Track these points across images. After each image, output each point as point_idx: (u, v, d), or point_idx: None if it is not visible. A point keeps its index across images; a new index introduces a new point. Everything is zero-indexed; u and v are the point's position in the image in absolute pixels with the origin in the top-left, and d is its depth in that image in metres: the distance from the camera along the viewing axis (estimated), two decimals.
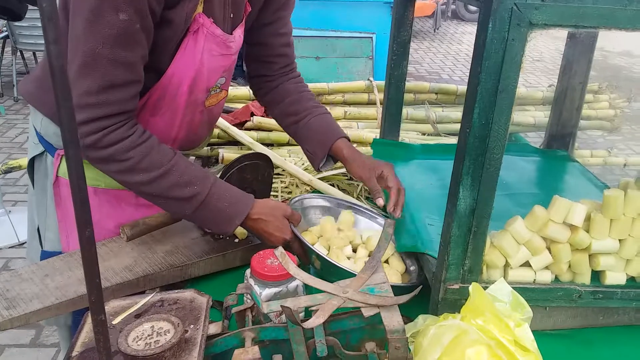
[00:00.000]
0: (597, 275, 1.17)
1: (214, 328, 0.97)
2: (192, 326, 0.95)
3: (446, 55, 8.69)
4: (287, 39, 1.51)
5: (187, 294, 1.04)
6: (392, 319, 0.89)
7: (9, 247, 3.40)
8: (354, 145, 2.04)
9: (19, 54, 6.00)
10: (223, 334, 0.96)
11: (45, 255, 1.37)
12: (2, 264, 3.26)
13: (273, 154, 1.88)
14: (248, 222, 1.25)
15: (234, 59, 1.35)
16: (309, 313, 0.92)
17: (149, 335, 0.92)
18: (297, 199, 1.43)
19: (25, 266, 1.26)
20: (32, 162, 1.40)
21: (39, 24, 5.33)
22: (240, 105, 2.36)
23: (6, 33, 5.55)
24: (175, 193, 1.18)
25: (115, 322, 0.97)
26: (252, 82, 1.59)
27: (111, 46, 1.07)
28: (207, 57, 1.24)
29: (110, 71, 1.09)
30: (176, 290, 1.06)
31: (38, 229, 1.45)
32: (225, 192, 1.23)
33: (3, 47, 6.01)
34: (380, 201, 1.33)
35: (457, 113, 2.40)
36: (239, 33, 1.33)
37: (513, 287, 1.02)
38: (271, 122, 2.13)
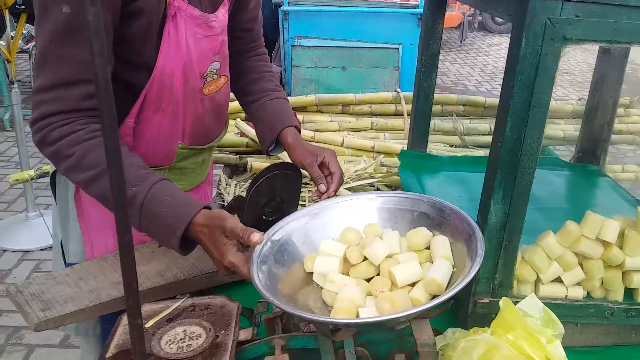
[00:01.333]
0: (630, 293, 1.16)
1: (244, 334, 0.99)
2: (222, 331, 0.97)
3: (473, 67, 8.64)
4: (255, 12, 1.49)
5: (218, 299, 1.06)
6: (423, 332, 0.89)
7: (41, 250, 3.48)
8: (381, 156, 2.05)
9: None
10: (253, 340, 0.98)
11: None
12: (34, 266, 3.33)
13: None
14: (193, 235, 1.08)
15: (222, 40, 1.32)
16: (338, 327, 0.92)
17: (181, 339, 0.94)
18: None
19: (60, 269, 1.29)
20: (53, 176, 1.39)
21: None
22: None
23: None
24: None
25: (148, 325, 0.99)
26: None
27: (58, 42, 1.04)
28: (192, 41, 1.23)
29: (59, 68, 1.06)
30: (207, 296, 1.08)
31: (61, 243, 1.44)
32: (165, 196, 1.08)
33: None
34: (322, 187, 1.30)
35: (484, 125, 2.38)
36: (222, 12, 1.30)
37: (544, 303, 1.01)
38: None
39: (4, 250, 3.46)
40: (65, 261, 1.43)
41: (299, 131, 1.47)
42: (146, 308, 1.04)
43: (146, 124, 1.26)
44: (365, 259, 1.00)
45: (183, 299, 1.08)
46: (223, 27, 1.32)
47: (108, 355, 0.95)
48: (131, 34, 1.15)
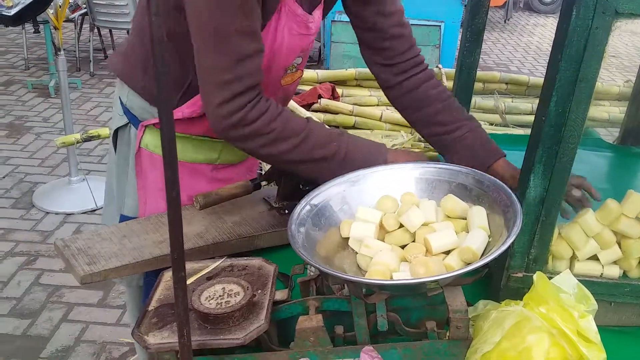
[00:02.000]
0: None
1: (280, 295, 1.02)
2: (259, 291, 1.00)
3: (516, 47, 8.43)
4: (398, 18, 1.39)
5: (256, 261, 1.09)
6: (456, 299, 0.91)
7: (82, 213, 3.60)
8: None
9: (96, 31, 6.26)
10: (288, 301, 1.01)
11: (123, 219, 1.45)
12: (75, 228, 3.45)
13: None
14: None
15: (312, 40, 1.36)
16: (370, 290, 0.94)
17: (220, 296, 0.97)
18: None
19: (105, 226, 1.35)
20: (115, 132, 1.48)
21: (117, 3, 5.57)
22: (307, 88, 2.40)
23: (85, 10, 5.80)
24: (319, 153, 1.20)
25: (189, 282, 1.03)
26: (372, 71, 1.50)
27: (237, 18, 1.09)
28: (287, 35, 1.27)
29: (240, 43, 1.11)
30: (245, 257, 1.11)
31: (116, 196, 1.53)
32: (358, 142, 1.26)
33: (82, 24, 6.29)
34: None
35: (526, 104, 2.35)
36: (317, 14, 1.34)
37: (579, 280, 1.01)
38: (338, 104, 2.15)
39: (47, 213, 3.59)
40: (120, 213, 1.51)
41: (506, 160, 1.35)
42: (187, 266, 1.08)
43: None
44: (401, 226, 1.01)
45: (222, 260, 1.11)
46: (317, 28, 1.34)
47: (150, 308, 1.00)
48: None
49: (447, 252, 0.96)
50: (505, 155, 1.35)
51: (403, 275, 0.92)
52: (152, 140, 1.39)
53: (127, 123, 1.45)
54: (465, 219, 1.02)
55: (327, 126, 1.25)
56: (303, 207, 1.05)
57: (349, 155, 1.22)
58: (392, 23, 1.38)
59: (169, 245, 0.77)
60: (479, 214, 0.99)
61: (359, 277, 0.93)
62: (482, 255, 0.92)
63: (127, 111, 1.44)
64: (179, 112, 1.32)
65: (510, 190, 1.00)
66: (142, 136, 1.39)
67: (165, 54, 1.30)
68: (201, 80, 1.16)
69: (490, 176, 1.05)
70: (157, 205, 1.41)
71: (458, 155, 1.36)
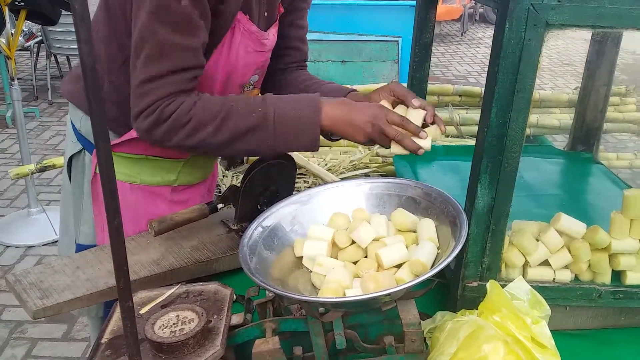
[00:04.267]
0: (617, 275, 1.17)
1: (236, 319, 1.01)
2: (215, 316, 0.99)
3: (473, 59, 8.63)
4: (303, 33, 1.54)
5: (211, 286, 1.08)
6: (409, 313, 0.91)
7: (43, 245, 3.51)
8: (376, 146, 2.07)
9: (53, 58, 6.17)
10: (245, 324, 1.00)
11: (80, 248, 1.43)
12: (37, 261, 3.37)
13: (296, 154, 1.91)
14: (326, 114, 1.18)
15: (267, 57, 1.39)
16: (326, 309, 0.94)
17: (174, 324, 0.95)
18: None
19: (58, 259, 1.32)
20: (69, 160, 1.46)
21: (72, 29, 5.49)
22: None
23: (41, 37, 5.72)
24: (246, 124, 1.18)
25: (142, 311, 1.01)
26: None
27: (175, 34, 1.12)
28: (243, 52, 1.29)
29: (177, 56, 1.14)
30: (201, 283, 1.10)
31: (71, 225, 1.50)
32: (286, 100, 1.21)
33: (38, 52, 6.20)
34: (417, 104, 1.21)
35: None
36: (272, 32, 1.38)
37: (532, 286, 1.02)
38: None
39: (7, 246, 3.50)
40: (75, 242, 1.50)
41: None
42: (141, 295, 1.06)
43: None
44: (353, 242, 1.01)
45: (177, 286, 1.10)
46: (271, 45, 1.39)
47: (103, 340, 0.97)
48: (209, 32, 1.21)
49: (399, 266, 0.97)
50: (356, 91, 1.39)
51: (356, 292, 0.92)
52: None
53: (82, 149, 1.43)
54: (416, 231, 1.03)
55: (248, 95, 1.24)
56: (254, 229, 1.04)
57: (278, 117, 1.18)
58: (297, 36, 1.52)
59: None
60: (427, 227, 1.00)
61: (311, 297, 0.93)
62: (432, 266, 0.93)
63: (80, 137, 1.42)
64: (134, 132, 1.31)
65: (455, 201, 1.01)
66: (97, 162, 1.37)
67: (115, 77, 1.29)
68: (131, 89, 1.18)
69: (437, 189, 1.07)
70: None
71: None
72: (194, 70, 1.18)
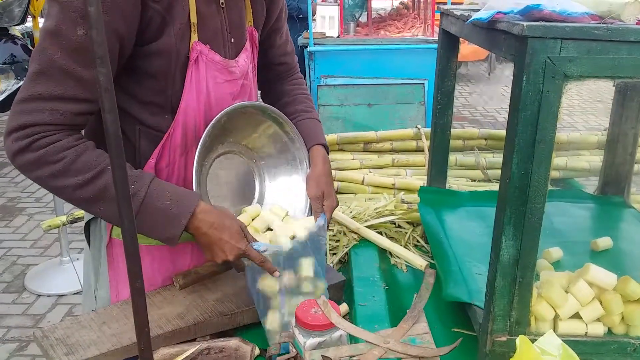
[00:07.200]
0: None
1: None
2: None
3: (502, 98, 8.61)
4: (285, 48, 1.58)
5: (233, 342, 1.07)
6: None
7: (74, 294, 3.55)
8: (402, 192, 2.06)
9: None
10: None
11: None
12: (67, 310, 3.40)
13: None
14: (195, 223, 1.18)
15: (243, 84, 1.36)
16: None
17: None
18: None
19: (85, 313, 1.33)
20: (88, 225, 1.45)
21: None
22: None
23: None
24: (113, 192, 1.07)
25: None
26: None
27: (67, 58, 1.07)
28: (212, 85, 1.27)
29: (63, 82, 1.08)
30: (222, 339, 1.10)
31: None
32: (166, 190, 1.17)
33: None
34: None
35: None
36: (243, 57, 1.35)
37: (563, 340, 0.99)
38: None
39: (39, 295, 3.55)
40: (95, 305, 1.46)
41: (327, 151, 1.49)
42: (163, 352, 1.06)
43: (174, 166, 1.31)
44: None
45: (199, 344, 1.09)
46: (244, 71, 1.37)
47: None
48: (152, 73, 1.20)
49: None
50: (324, 145, 1.49)
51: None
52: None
53: None
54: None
55: (131, 167, 1.17)
56: None
57: (148, 203, 1.14)
58: (280, 53, 1.58)
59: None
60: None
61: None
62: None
63: None
64: None
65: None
66: (112, 227, 1.36)
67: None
68: (13, 103, 1.13)
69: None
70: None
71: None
72: (83, 104, 1.12)
